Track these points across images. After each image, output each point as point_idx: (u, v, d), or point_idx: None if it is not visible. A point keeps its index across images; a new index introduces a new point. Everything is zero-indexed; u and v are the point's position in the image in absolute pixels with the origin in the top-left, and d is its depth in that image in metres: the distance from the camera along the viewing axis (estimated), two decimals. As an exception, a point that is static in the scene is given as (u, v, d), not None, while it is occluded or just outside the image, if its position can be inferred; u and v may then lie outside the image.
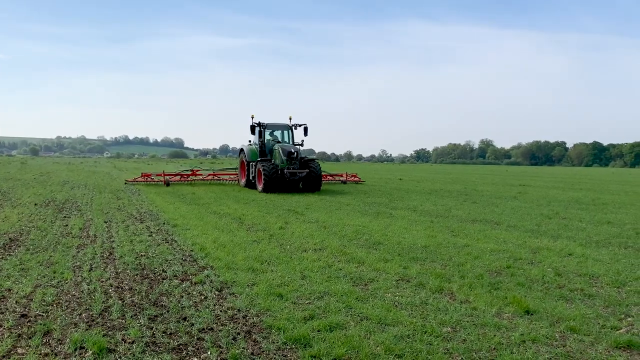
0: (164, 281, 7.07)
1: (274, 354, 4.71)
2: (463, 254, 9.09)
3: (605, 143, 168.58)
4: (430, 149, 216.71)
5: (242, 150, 24.59)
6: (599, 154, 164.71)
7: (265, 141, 23.72)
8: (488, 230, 12.05)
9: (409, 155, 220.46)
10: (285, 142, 23.84)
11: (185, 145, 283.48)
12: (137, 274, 7.43)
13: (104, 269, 7.67)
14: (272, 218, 13.43)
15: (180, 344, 4.91)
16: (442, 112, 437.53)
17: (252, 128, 23.30)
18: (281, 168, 21.48)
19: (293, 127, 24.09)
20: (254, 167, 22.57)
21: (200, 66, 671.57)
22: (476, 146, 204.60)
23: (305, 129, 23.57)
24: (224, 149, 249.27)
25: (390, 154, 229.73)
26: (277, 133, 24.42)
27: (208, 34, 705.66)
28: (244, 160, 23.98)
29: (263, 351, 4.77)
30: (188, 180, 26.53)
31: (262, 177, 20.89)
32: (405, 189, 25.73)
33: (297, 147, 22.67)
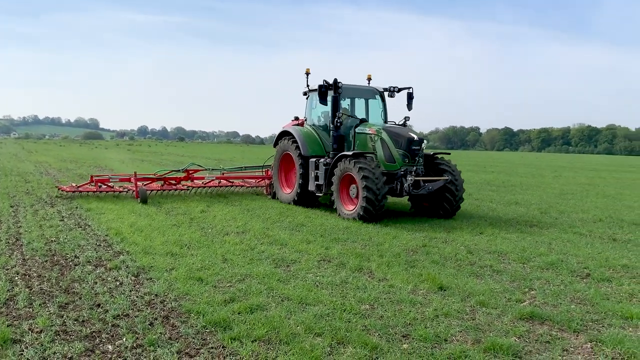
0: (76, 267, 6.75)
1: (193, 338, 4.63)
2: (382, 234, 9.35)
3: (515, 128, 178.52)
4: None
5: (284, 134, 13.35)
6: (509, 139, 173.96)
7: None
8: (406, 211, 12.45)
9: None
10: (367, 121, 12.69)
11: (100, 126, 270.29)
12: (46, 261, 7.03)
13: (10, 256, 7.20)
14: (193, 201, 13.14)
15: (94, 332, 4.72)
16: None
17: (322, 91, 11.76)
18: (387, 172, 11.18)
19: (385, 93, 13.28)
20: (322, 167, 11.99)
21: (116, 43, 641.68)
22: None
23: (410, 96, 13.03)
24: (142, 131, 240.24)
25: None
26: (345, 103, 13.01)
27: (125, 9, 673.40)
28: (293, 153, 12.77)
29: (181, 335, 4.68)
30: (181, 189, 14.50)
31: (366, 192, 10.40)
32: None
33: (417, 132, 11.99)
